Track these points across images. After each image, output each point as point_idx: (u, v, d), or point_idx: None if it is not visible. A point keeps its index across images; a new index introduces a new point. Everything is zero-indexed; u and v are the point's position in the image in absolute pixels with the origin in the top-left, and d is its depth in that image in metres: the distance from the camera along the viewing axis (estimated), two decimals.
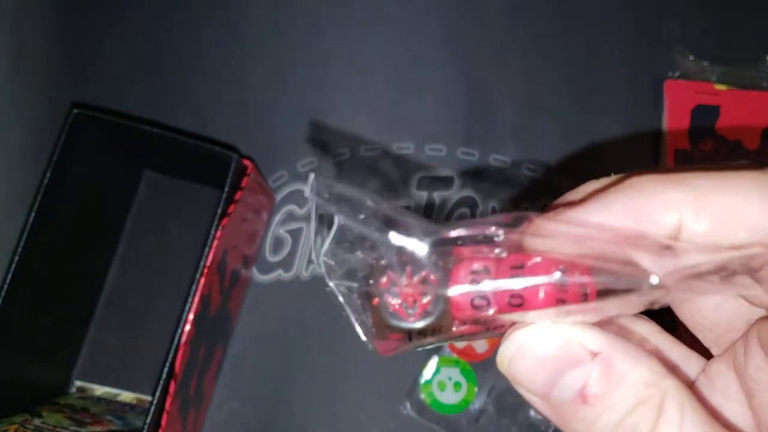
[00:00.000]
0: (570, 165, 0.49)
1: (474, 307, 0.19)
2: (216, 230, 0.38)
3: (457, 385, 0.45)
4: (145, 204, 0.48)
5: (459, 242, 0.20)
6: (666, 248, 0.19)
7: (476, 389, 0.45)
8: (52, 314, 0.44)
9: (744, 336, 0.20)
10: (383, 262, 0.20)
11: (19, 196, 0.45)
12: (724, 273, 0.19)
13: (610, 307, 0.19)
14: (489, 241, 0.19)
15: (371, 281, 0.20)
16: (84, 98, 0.47)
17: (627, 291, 0.19)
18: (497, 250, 0.19)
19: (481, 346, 0.46)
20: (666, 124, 0.48)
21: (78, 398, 0.45)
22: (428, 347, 0.21)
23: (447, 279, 0.19)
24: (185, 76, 0.51)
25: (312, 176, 0.19)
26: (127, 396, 0.46)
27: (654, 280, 0.18)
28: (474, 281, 0.19)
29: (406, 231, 0.19)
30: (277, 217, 0.48)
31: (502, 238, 0.19)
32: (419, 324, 0.20)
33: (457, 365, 0.45)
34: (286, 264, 0.48)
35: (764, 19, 0.51)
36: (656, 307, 0.19)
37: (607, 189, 0.19)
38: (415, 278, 0.20)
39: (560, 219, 0.19)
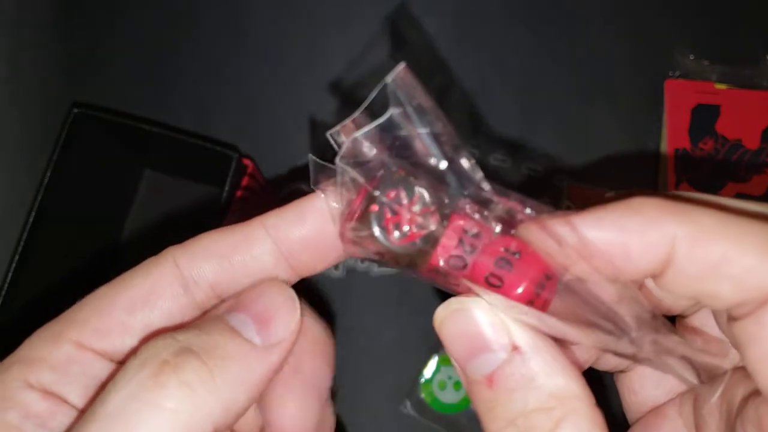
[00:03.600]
0: (570, 165, 0.49)
1: (450, 262, 0.19)
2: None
3: (457, 384, 0.45)
4: (146, 203, 0.48)
5: (466, 196, 0.19)
6: (653, 317, 0.19)
7: None
8: (52, 314, 0.44)
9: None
10: (402, 175, 0.19)
11: (19, 196, 0.45)
12: (688, 361, 0.19)
13: (570, 332, 0.19)
14: (492, 208, 0.19)
15: (380, 186, 0.19)
16: (84, 97, 0.47)
17: (596, 328, 0.19)
18: (494, 223, 0.20)
19: None
20: (666, 123, 0.48)
21: None
22: (381, 266, 0.21)
23: (444, 226, 0.19)
24: (186, 75, 0.51)
25: (402, 66, 0.19)
26: None
27: (633, 337, 0.18)
28: (464, 241, 0.19)
29: (453, 166, 0.19)
30: None
31: (511, 213, 0.19)
32: (400, 249, 0.19)
33: None
34: None
35: (764, 18, 0.51)
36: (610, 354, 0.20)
37: (607, 204, 0.19)
38: (419, 206, 0.19)
39: (554, 223, 0.19)
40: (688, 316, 0.23)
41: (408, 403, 0.45)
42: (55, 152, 0.39)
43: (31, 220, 0.39)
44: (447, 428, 0.45)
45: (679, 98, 0.49)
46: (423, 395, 0.45)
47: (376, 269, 0.47)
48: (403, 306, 0.47)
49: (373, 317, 0.47)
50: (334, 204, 0.20)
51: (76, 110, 0.40)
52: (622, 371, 0.25)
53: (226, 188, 0.39)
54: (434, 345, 0.46)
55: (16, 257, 0.38)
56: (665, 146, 0.48)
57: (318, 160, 0.20)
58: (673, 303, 0.22)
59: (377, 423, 0.46)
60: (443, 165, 0.19)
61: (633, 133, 0.50)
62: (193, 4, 0.52)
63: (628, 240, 0.18)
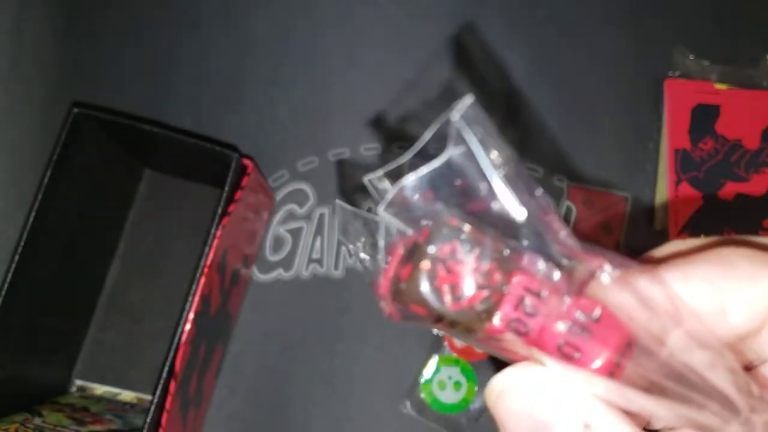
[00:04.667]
0: (570, 165, 0.49)
1: (512, 326, 0.16)
2: (216, 229, 0.38)
3: (457, 384, 0.45)
4: (146, 203, 0.48)
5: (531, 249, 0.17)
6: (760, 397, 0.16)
7: (476, 388, 0.45)
8: (53, 313, 0.44)
9: None
10: (457, 226, 0.16)
11: (19, 196, 0.45)
12: None
13: (660, 411, 0.16)
14: (567, 265, 0.17)
15: (433, 240, 0.16)
16: (84, 97, 0.47)
17: (700, 408, 0.16)
18: (565, 282, 0.17)
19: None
20: (666, 123, 0.48)
21: (78, 397, 0.45)
22: (436, 332, 0.18)
23: (507, 284, 0.16)
24: (186, 75, 0.51)
25: (470, 100, 0.16)
26: (127, 395, 0.45)
27: (745, 418, 0.16)
28: (527, 302, 0.16)
29: (520, 220, 0.16)
30: (278, 217, 0.48)
31: (590, 271, 0.16)
32: (455, 315, 0.16)
33: (458, 364, 0.45)
34: (287, 263, 0.48)
35: (764, 18, 0.51)
36: None
37: (691, 254, 0.17)
38: (478, 265, 0.16)
39: (639, 278, 0.16)
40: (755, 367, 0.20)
41: (408, 403, 0.45)
42: (55, 152, 0.39)
43: (31, 219, 0.39)
44: (447, 428, 0.45)
45: (679, 98, 0.49)
46: (423, 395, 0.45)
47: None
48: None
49: (373, 317, 0.47)
50: (365, 256, 0.18)
51: (76, 110, 0.39)
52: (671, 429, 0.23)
53: (226, 188, 0.39)
54: (434, 345, 0.46)
55: (16, 257, 0.38)
56: (665, 146, 0.48)
57: (348, 206, 0.18)
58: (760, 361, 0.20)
59: (377, 423, 0.45)
60: (522, 215, 0.16)
61: (633, 133, 0.50)
62: (193, 3, 0.52)
63: (719, 300, 0.16)
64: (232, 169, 0.39)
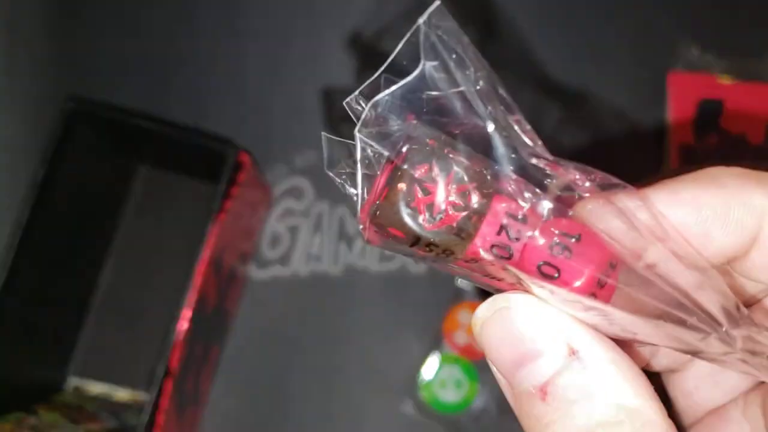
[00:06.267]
0: (572, 159, 0.48)
1: (493, 251, 0.16)
2: (212, 226, 0.38)
3: (458, 383, 0.45)
4: (141, 199, 0.48)
5: (513, 170, 0.17)
6: (738, 309, 0.16)
7: (478, 388, 0.45)
8: (47, 312, 0.44)
9: None
10: (435, 147, 0.16)
11: (13, 192, 0.45)
12: None
13: (643, 330, 0.16)
14: (548, 184, 0.17)
15: (408, 160, 0.16)
16: (78, 92, 0.47)
17: (674, 323, 0.16)
18: (545, 203, 0.17)
19: None
20: (670, 117, 0.48)
21: (74, 396, 0.45)
22: (415, 260, 0.17)
23: (487, 206, 0.16)
24: (181, 68, 0.50)
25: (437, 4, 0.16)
26: (123, 394, 0.45)
27: (725, 332, 0.15)
28: (509, 226, 0.16)
29: (500, 135, 0.16)
30: (275, 213, 0.48)
31: (570, 188, 0.17)
32: (432, 235, 0.16)
33: (459, 363, 0.45)
34: (284, 260, 0.47)
35: None
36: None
37: (680, 176, 0.17)
38: (455, 184, 0.16)
39: (622, 197, 0.16)
40: (752, 305, 0.20)
41: (408, 403, 0.45)
42: (49, 147, 0.39)
43: (25, 216, 0.38)
44: (448, 428, 0.45)
45: (682, 92, 0.48)
46: (424, 394, 0.45)
47: (375, 267, 0.47)
48: (403, 304, 0.46)
49: (373, 315, 0.46)
50: (352, 189, 0.17)
51: (69, 105, 0.39)
52: (672, 371, 0.22)
53: (223, 184, 0.38)
54: (434, 343, 0.45)
55: (11, 254, 0.38)
56: (669, 141, 0.48)
57: (332, 137, 0.18)
58: (740, 289, 0.20)
59: (376, 422, 0.45)
60: (490, 127, 0.16)
61: (636, 127, 0.49)
62: None
63: (707, 217, 0.16)
64: (228, 164, 0.39)
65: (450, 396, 0.44)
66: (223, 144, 0.39)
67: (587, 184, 0.17)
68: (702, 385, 0.21)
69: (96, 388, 0.45)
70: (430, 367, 0.45)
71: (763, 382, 0.18)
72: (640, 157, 0.49)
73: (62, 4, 0.51)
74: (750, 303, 0.20)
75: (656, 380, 0.22)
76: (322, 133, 0.18)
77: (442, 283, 0.46)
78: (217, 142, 0.40)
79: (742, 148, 0.47)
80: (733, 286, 0.19)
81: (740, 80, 0.48)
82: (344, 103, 0.17)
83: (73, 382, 0.45)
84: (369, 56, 0.51)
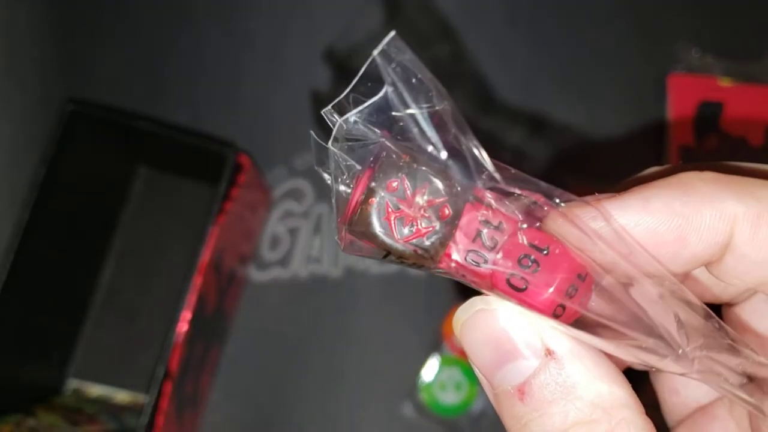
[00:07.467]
0: (572, 161, 0.49)
1: (468, 258, 0.17)
2: (212, 227, 0.38)
3: (458, 385, 0.45)
4: (141, 201, 0.48)
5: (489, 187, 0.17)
6: (706, 318, 0.16)
7: (478, 390, 0.44)
8: (47, 313, 0.43)
9: None
10: (406, 161, 0.17)
11: (13, 193, 0.45)
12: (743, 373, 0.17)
13: (606, 347, 0.16)
14: (515, 198, 0.17)
15: (379, 175, 0.17)
16: (78, 93, 0.47)
17: (637, 347, 0.16)
18: (518, 214, 0.17)
19: None
20: (670, 119, 0.48)
21: (73, 398, 0.45)
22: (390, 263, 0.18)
23: (458, 218, 0.17)
24: (181, 71, 0.50)
25: (392, 35, 0.16)
26: (122, 396, 0.45)
27: (680, 354, 0.16)
28: (484, 234, 0.17)
29: (459, 148, 0.17)
30: (275, 214, 0.48)
31: (538, 205, 0.17)
32: (404, 248, 0.17)
33: (459, 365, 0.45)
34: (284, 262, 0.47)
35: None
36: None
37: (653, 181, 0.17)
38: (425, 198, 0.17)
39: (583, 214, 0.17)
40: (737, 303, 0.20)
41: (408, 405, 0.45)
42: (49, 149, 0.39)
43: (25, 217, 0.38)
44: (447, 430, 0.44)
45: (682, 94, 0.48)
46: (423, 397, 0.44)
47: (375, 268, 0.47)
48: (403, 306, 0.46)
49: (373, 317, 0.46)
50: (333, 198, 0.18)
51: (70, 107, 0.39)
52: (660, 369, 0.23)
53: (222, 185, 0.38)
54: (434, 345, 0.45)
55: (11, 255, 0.38)
56: (669, 143, 0.48)
57: (318, 139, 0.18)
58: (723, 290, 0.20)
59: (376, 425, 0.45)
60: (443, 155, 0.17)
61: (636, 129, 0.49)
62: None
63: (679, 225, 0.16)
64: (228, 165, 0.39)
65: (450, 398, 0.44)
66: (223, 146, 0.39)
67: (555, 200, 0.17)
68: (689, 383, 0.22)
69: (95, 389, 0.45)
70: (430, 369, 0.45)
71: (749, 380, 0.18)
72: (640, 158, 0.49)
73: (62, 5, 0.51)
74: (730, 305, 0.20)
75: (644, 378, 0.22)
76: (310, 131, 0.18)
77: (441, 285, 0.46)
78: (217, 143, 0.40)
79: (742, 150, 0.47)
80: (709, 290, 0.20)
81: (740, 82, 0.48)
82: (323, 112, 0.18)
83: (72, 383, 0.45)
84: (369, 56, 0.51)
